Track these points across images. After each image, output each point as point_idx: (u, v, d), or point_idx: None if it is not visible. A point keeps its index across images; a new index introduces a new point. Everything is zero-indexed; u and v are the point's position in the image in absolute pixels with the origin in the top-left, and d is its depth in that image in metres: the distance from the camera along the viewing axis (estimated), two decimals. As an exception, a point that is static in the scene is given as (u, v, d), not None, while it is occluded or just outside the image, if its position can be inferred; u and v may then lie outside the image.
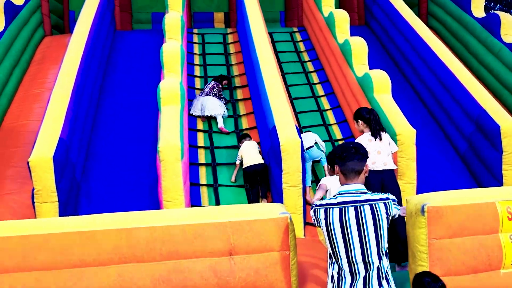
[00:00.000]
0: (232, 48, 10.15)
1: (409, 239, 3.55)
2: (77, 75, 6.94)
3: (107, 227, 3.37)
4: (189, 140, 7.25)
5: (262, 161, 6.44)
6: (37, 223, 3.58)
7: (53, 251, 3.31)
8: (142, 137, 7.38)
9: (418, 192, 6.32)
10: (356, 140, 5.34)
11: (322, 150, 6.92)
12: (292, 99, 8.50)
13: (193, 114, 7.93)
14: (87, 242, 3.33)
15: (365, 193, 2.92)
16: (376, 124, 5.14)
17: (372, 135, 5.18)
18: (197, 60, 9.65)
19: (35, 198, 5.53)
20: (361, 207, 2.85)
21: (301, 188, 5.90)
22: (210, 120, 7.97)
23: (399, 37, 9.42)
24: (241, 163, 6.58)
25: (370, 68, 7.89)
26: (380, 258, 2.92)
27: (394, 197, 2.99)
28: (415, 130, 6.28)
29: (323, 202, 2.95)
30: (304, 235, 6.01)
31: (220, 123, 7.68)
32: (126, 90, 8.50)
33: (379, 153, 5.13)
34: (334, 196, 2.94)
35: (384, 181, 5.07)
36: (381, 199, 2.90)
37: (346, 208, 2.84)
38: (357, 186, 2.92)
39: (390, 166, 5.17)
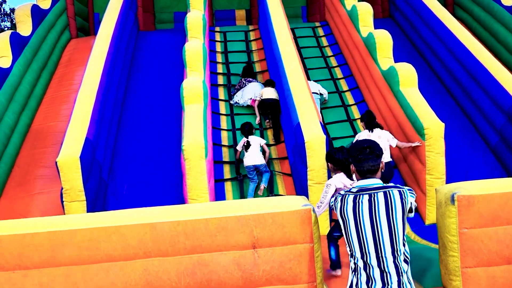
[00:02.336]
0: (254, 45, 10.13)
1: (439, 229, 3.46)
2: (102, 76, 7.04)
3: (131, 222, 3.39)
4: (213, 139, 7.27)
5: (276, 97, 7.67)
6: (63, 219, 3.63)
7: (80, 246, 3.35)
8: (166, 136, 7.44)
9: (447, 185, 6.15)
10: (357, 135, 6.18)
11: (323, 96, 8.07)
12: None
13: (241, 101, 8.15)
14: (113, 237, 3.36)
15: (382, 184, 2.86)
16: (371, 120, 6.03)
17: (369, 131, 6.03)
18: (219, 58, 9.67)
19: (63, 197, 5.64)
20: (375, 194, 2.75)
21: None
22: (233, 117, 7.97)
23: (425, 28, 9.20)
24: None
25: (396, 59, 7.74)
26: (394, 248, 2.73)
27: (410, 188, 2.88)
28: (443, 124, 6.11)
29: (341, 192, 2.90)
30: (330, 231, 5.93)
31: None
32: (150, 89, 8.59)
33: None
34: (350, 189, 2.89)
35: (383, 172, 5.29)
36: (395, 187, 2.81)
37: (361, 195, 2.76)
38: (373, 180, 2.85)
39: (387, 159, 5.96)
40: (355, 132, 7.60)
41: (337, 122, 7.87)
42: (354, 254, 2.80)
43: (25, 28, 8.65)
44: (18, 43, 8.03)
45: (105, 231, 3.38)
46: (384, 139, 5.96)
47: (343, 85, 8.78)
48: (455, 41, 8.14)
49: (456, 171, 6.78)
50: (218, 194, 6.46)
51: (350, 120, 7.92)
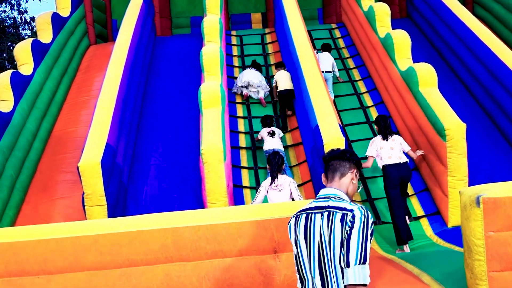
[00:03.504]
0: (270, 48, 10.13)
1: (464, 232, 3.39)
2: (121, 82, 7.13)
3: (153, 227, 3.41)
4: (231, 142, 7.28)
5: (292, 88, 7.88)
6: (86, 224, 3.68)
7: (103, 251, 3.39)
8: (185, 140, 7.48)
9: (470, 188, 6.03)
10: (370, 142, 6.09)
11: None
12: (334, 97, 8.37)
13: (238, 84, 8.38)
14: (134, 242, 3.39)
15: (333, 199, 2.43)
16: (386, 129, 5.97)
17: (383, 138, 5.97)
18: (236, 61, 9.69)
19: (85, 202, 5.71)
20: (312, 214, 2.41)
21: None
22: (250, 120, 7.98)
23: (444, 28, 9.07)
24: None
25: (414, 60, 7.65)
26: (324, 276, 2.35)
27: (360, 211, 2.36)
28: (464, 124, 5.99)
29: (301, 208, 2.55)
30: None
31: (261, 95, 8.37)
32: (168, 94, 8.66)
33: (392, 149, 5.87)
34: (311, 201, 2.54)
35: (401, 172, 5.78)
36: (341, 209, 2.37)
37: (300, 215, 2.45)
38: (332, 190, 2.47)
39: (404, 159, 5.90)
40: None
41: (356, 124, 7.81)
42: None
43: (45, 35, 8.81)
44: (39, 51, 8.18)
45: (127, 236, 3.41)
46: (397, 142, 5.94)
47: (361, 87, 8.71)
48: (475, 40, 8.00)
49: (479, 172, 6.65)
50: (237, 199, 6.46)
51: (369, 122, 7.85)
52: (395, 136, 6.01)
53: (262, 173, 6.97)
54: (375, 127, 6.27)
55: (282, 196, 5.39)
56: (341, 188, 2.48)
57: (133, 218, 3.68)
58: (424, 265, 4.11)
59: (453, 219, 5.98)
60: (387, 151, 5.84)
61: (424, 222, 6.20)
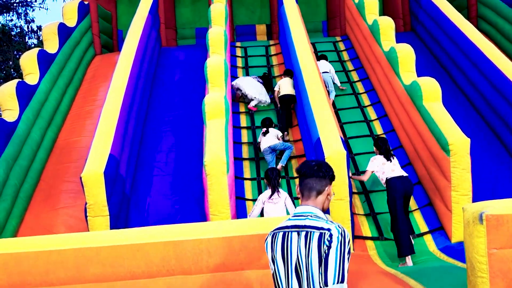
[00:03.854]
0: (274, 60, 10.18)
1: (467, 249, 3.38)
2: (126, 92, 7.17)
3: (154, 239, 3.41)
4: (234, 153, 7.29)
5: (293, 93, 8.08)
6: (88, 236, 3.69)
7: (104, 263, 3.39)
8: (188, 151, 7.50)
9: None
10: (372, 159, 6.19)
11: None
12: (337, 110, 8.39)
13: (243, 90, 8.44)
14: (136, 254, 3.39)
15: (310, 217, 2.41)
16: (388, 152, 6.16)
17: (386, 159, 6.11)
18: (240, 73, 9.74)
19: (87, 212, 5.71)
20: (289, 233, 2.39)
21: (348, 201, 5.76)
22: (254, 131, 8.00)
23: (448, 42, 9.10)
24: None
25: (418, 74, 7.66)
26: None
27: (337, 230, 2.35)
28: (468, 139, 5.98)
29: (277, 226, 2.51)
30: (353, 250, 5.85)
31: (253, 104, 8.48)
32: (172, 104, 8.70)
33: (393, 171, 6.01)
34: (288, 219, 2.51)
35: (405, 185, 5.90)
36: (318, 228, 2.35)
37: (276, 234, 2.43)
38: (308, 208, 2.45)
39: (406, 174, 6.07)
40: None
41: (359, 137, 7.81)
42: None
43: (51, 45, 8.89)
44: (45, 60, 8.25)
45: (129, 248, 3.41)
46: (397, 162, 6.20)
47: (365, 100, 8.73)
48: (479, 54, 8.02)
49: (483, 187, 6.62)
50: (239, 211, 6.45)
51: (372, 135, 7.85)
52: (395, 158, 6.24)
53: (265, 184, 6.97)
54: (374, 148, 6.37)
55: (277, 208, 5.66)
56: (317, 205, 2.47)
57: (135, 230, 3.68)
58: (427, 281, 4.08)
59: (456, 234, 5.95)
60: (390, 166, 6.05)
61: (428, 237, 6.17)
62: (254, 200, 6.69)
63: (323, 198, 2.49)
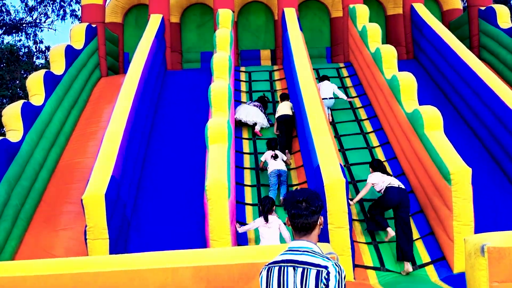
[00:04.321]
0: (278, 85, 10.26)
1: (468, 281, 3.34)
2: (130, 115, 7.22)
3: (153, 266, 3.39)
4: (236, 178, 7.28)
5: (290, 113, 8.27)
6: (86, 261, 3.66)
7: (102, 289, 3.36)
8: (190, 174, 7.49)
9: (475, 234, 5.96)
10: (370, 176, 6.59)
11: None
12: (339, 136, 8.42)
13: (238, 118, 8.50)
14: (134, 280, 3.36)
15: (307, 253, 2.40)
16: (384, 172, 6.61)
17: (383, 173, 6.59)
18: (244, 97, 9.81)
19: (87, 235, 5.69)
20: (285, 268, 2.37)
21: (347, 229, 5.73)
22: (256, 156, 8.01)
23: (450, 70, 9.18)
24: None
25: (420, 102, 7.70)
26: None
27: (335, 269, 2.36)
28: (470, 169, 5.97)
29: (273, 259, 2.50)
30: (354, 278, 5.79)
31: (258, 128, 8.60)
32: (176, 127, 8.74)
33: (392, 179, 6.46)
34: (283, 252, 2.49)
35: (401, 195, 6.27)
36: (315, 265, 2.34)
37: (272, 268, 2.41)
38: (303, 243, 2.44)
39: (403, 187, 6.45)
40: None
41: (362, 164, 7.80)
42: None
43: (58, 67, 9.00)
44: (51, 82, 8.35)
45: (127, 274, 3.38)
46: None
47: (367, 126, 8.75)
48: (481, 84, 8.08)
49: (485, 217, 6.58)
50: (240, 237, 6.40)
51: (374, 161, 7.84)
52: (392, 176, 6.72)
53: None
54: (370, 169, 6.78)
55: (272, 232, 5.99)
56: (312, 240, 2.46)
57: (134, 256, 3.66)
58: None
59: (458, 265, 5.88)
60: (389, 178, 6.50)
61: (430, 267, 6.10)
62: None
63: (317, 231, 2.49)
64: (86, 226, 5.71)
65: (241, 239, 6.37)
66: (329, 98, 8.85)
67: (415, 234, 6.50)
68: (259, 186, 7.39)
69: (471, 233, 5.86)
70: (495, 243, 3.24)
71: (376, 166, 6.67)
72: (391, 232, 6.24)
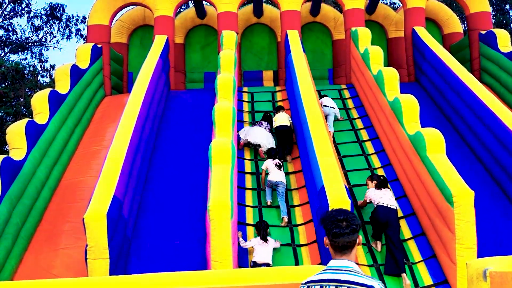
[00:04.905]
0: (281, 106, 10.30)
1: (470, 308, 3.31)
2: (133, 135, 7.25)
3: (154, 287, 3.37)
4: (238, 198, 7.26)
5: (288, 124, 8.65)
6: (85, 282, 3.64)
7: (102, 311, 3.33)
8: (192, 194, 7.48)
9: (479, 257, 5.91)
10: (368, 190, 6.93)
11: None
12: (341, 157, 8.42)
13: (248, 140, 8.58)
14: (135, 302, 3.33)
15: (350, 272, 2.42)
16: (381, 185, 6.91)
17: (377, 188, 6.91)
18: (246, 117, 9.86)
19: (87, 254, 5.65)
20: (327, 287, 2.38)
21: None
22: (258, 176, 8.02)
23: (452, 93, 9.23)
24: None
25: (422, 124, 7.73)
26: None
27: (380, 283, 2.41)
28: (473, 191, 5.96)
29: (310, 278, 2.51)
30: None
31: (264, 149, 8.59)
32: (179, 146, 8.76)
33: (384, 194, 6.75)
34: (321, 271, 2.50)
35: (390, 216, 6.50)
36: (360, 285, 2.34)
37: (312, 286, 2.42)
38: (344, 262, 2.46)
39: (394, 206, 6.66)
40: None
41: (364, 185, 7.78)
42: None
43: (63, 86, 9.09)
44: (55, 100, 8.42)
45: (128, 296, 3.35)
46: (389, 192, 6.86)
47: (369, 148, 8.77)
48: (482, 106, 8.12)
49: (488, 240, 6.54)
50: (241, 257, 6.37)
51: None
52: (387, 190, 6.90)
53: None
54: (369, 183, 7.06)
55: (267, 251, 6.34)
56: (352, 259, 2.49)
57: (134, 277, 3.64)
58: None
59: (461, 289, 5.82)
60: (380, 194, 6.76)
61: (432, 291, 6.04)
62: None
63: (355, 250, 2.52)
64: (86, 245, 5.69)
65: (242, 261, 6.33)
66: (330, 107, 9.29)
67: (417, 256, 6.45)
68: (261, 208, 7.37)
69: (474, 257, 5.81)
70: (497, 268, 3.22)
71: (375, 178, 7.06)
72: (378, 245, 6.60)
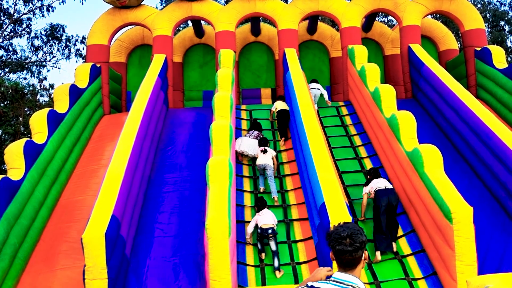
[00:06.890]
0: (279, 123, 10.35)
1: (470, 329, 3.28)
2: (131, 153, 7.26)
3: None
4: (236, 216, 7.24)
5: (287, 108, 9.84)
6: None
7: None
8: (190, 213, 7.46)
9: (479, 274, 5.87)
10: (364, 188, 7.39)
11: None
12: (340, 173, 8.43)
13: (239, 149, 8.89)
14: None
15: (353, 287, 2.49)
16: (374, 175, 7.42)
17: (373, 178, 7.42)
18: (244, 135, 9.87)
19: (85, 275, 5.62)
20: None
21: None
22: (257, 194, 8.00)
23: (448, 110, 9.28)
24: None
25: (420, 140, 7.75)
26: None
27: None
28: (471, 208, 5.94)
29: (315, 284, 2.56)
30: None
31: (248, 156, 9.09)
32: (177, 165, 8.76)
33: (378, 182, 7.20)
34: (326, 280, 2.55)
35: (389, 195, 6.95)
36: None
37: None
38: (348, 277, 2.52)
39: (390, 186, 7.17)
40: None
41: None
42: None
43: (62, 105, 9.13)
44: (54, 120, 8.44)
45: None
46: (384, 180, 7.36)
47: (368, 164, 8.78)
48: (479, 123, 8.15)
49: (488, 257, 6.49)
50: (240, 276, 6.32)
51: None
52: (382, 178, 7.39)
53: (268, 249, 6.87)
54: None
55: (269, 214, 6.88)
56: (356, 274, 2.54)
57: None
58: None
59: (462, 306, 5.76)
60: (375, 182, 7.24)
61: (433, 309, 5.98)
62: (255, 266, 6.60)
63: (361, 266, 2.56)
64: (85, 265, 5.65)
65: (241, 279, 6.28)
66: (316, 88, 10.73)
67: (418, 273, 6.40)
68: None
69: (474, 274, 5.77)
70: (498, 285, 3.21)
71: (372, 172, 7.48)
72: (378, 256, 6.63)
